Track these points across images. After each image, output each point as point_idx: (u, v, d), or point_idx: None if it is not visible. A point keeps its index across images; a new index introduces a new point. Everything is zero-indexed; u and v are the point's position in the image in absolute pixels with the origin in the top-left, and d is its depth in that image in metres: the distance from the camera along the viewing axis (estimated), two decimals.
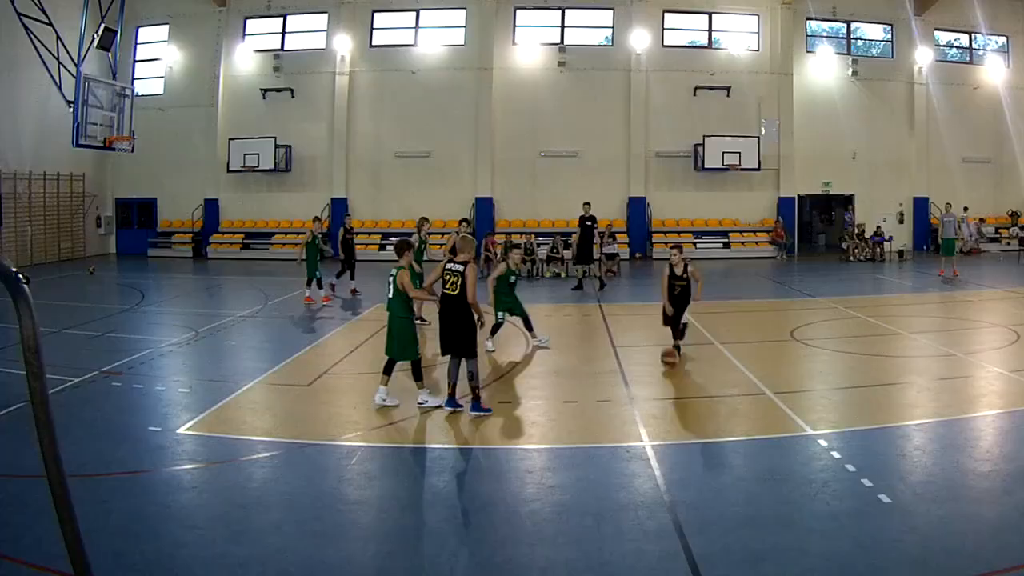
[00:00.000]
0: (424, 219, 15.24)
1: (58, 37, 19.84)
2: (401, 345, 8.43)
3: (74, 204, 27.25)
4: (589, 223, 18.55)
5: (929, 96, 28.47)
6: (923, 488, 6.02)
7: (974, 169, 28.91)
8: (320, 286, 16.18)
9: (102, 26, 21.31)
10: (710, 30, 28.32)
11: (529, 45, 27.99)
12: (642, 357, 11.16)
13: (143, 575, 4.89)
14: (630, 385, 9.44)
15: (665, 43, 28.12)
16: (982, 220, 28.37)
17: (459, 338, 8.16)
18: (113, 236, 29.65)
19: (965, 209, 25.04)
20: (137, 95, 23.85)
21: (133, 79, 27.08)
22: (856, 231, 26.49)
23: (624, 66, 27.72)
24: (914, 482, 6.17)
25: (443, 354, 8.46)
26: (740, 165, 27.02)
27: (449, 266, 8.26)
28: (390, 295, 8.46)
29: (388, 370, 8.51)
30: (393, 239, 28.25)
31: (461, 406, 8.28)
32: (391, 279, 8.41)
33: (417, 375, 8.49)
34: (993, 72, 28.89)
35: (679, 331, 10.84)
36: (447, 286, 8.22)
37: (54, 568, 4.70)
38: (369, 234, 27.37)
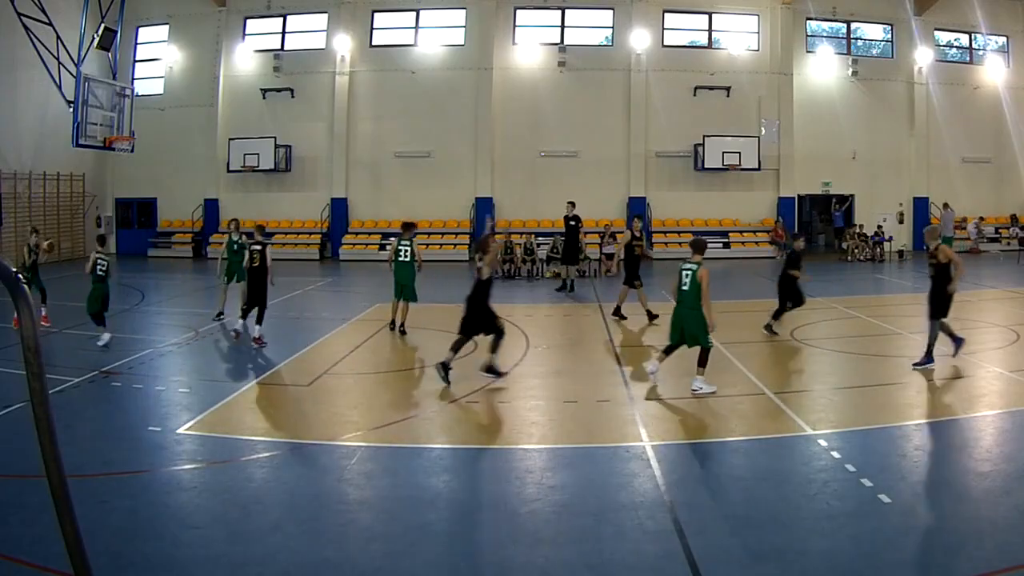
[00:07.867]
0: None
1: (58, 37, 19.86)
2: (701, 334, 8.91)
3: (74, 204, 27.23)
4: (573, 223, 18.12)
5: (929, 96, 28.43)
6: (923, 488, 6.02)
7: (974, 169, 28.88)
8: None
9: (102, 26, 21.33)
10: (710, 30, 28.30)
11: (529, 45, 27.95)
12: (642, 357, 11.14)
13: (143, 575, 4.89)
14: (630, 385, 9.44)
15: (665, 43, 28.08)
16: (981, 219, 28.35)
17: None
18: (113, 236, 29.60)
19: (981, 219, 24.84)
20: (137, 95, 23.87)
21: (133, 79, 27.06)
22: (857, 229, 26.46)
23: (624, 66, 27.69)
24: (914, 482, 6.17)
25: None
26: (740, 165, 26.99)
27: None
28: (685, 288, 8.97)
29: (702, 361, 8.96)
30: (392, 239, 28.51)
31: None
32: (689, 274, 8.91)
33: (702, 361, 8.95)
34: (993, 72, 28.85)
35: None
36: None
37: (54, 568, 4.70)
38: (369, 234, 27.40)
